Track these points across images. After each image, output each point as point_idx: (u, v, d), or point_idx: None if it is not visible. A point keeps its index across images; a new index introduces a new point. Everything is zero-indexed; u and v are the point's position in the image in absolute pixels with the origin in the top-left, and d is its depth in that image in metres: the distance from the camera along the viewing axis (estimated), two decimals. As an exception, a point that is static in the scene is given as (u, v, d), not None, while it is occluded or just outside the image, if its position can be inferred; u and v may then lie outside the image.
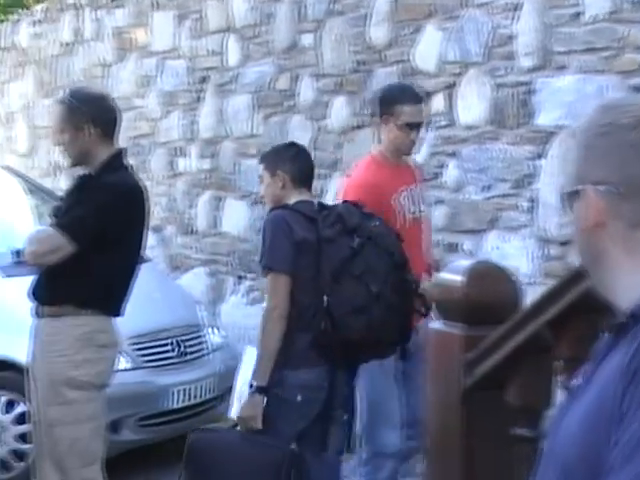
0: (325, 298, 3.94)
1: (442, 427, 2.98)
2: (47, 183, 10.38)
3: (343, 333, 3.93)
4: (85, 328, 4.05)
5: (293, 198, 4.18)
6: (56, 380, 4.02)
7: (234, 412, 4.18)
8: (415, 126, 4.78)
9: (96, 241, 4.01)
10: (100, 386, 4.12)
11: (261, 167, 4.36)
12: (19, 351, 5.33)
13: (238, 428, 4.07)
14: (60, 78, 10.91)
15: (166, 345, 5.92)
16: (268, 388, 3.95)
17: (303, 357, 4.00)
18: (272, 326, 3.96)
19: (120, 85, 9.60)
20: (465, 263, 3.21)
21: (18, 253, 4.82)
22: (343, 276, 3.96)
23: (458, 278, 2.95)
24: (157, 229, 8.34)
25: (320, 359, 4.00)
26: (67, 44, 10.77)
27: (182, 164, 8.68)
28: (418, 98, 4.91)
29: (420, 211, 4.88)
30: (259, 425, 3.94)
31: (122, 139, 4.43)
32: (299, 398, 3.98)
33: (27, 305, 4.98)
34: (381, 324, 3.96)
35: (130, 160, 4.71)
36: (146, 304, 5.58)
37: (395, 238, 4.17)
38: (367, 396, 4.61)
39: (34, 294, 4.22)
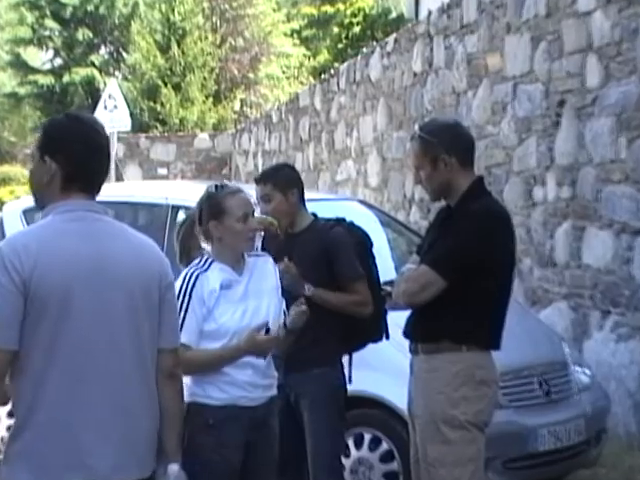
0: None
1: None
2: (400, 216, 10.39)
3: None
4: (462, 364, 3.90)
5: (304, 212, 4.70)
6: (435, 418, 3.88)
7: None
8: None
9: (469, 273, 3.85)
10: (481, 426, 3.94)
11: (268, 187, 4.64)
12: (385, 389, 5.25)
13: None
14: (411, 109, 10.90)
15: (530, 384, 5.59)
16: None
17: None
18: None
19: (472, 113, 9.42)
20: None
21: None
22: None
23: None
24: (514, 261, 8.02)
25: None
26: (418, 74, 10.75)
27: (539, 193, 8.31)
28: None
29: None
30: None
31: (475, 169, 4.21)
32: None
33: (388, 342, 4.87)
34: None
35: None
36: (507, 340, 5.25)
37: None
38: None
39: (409, 331, 4.10)
